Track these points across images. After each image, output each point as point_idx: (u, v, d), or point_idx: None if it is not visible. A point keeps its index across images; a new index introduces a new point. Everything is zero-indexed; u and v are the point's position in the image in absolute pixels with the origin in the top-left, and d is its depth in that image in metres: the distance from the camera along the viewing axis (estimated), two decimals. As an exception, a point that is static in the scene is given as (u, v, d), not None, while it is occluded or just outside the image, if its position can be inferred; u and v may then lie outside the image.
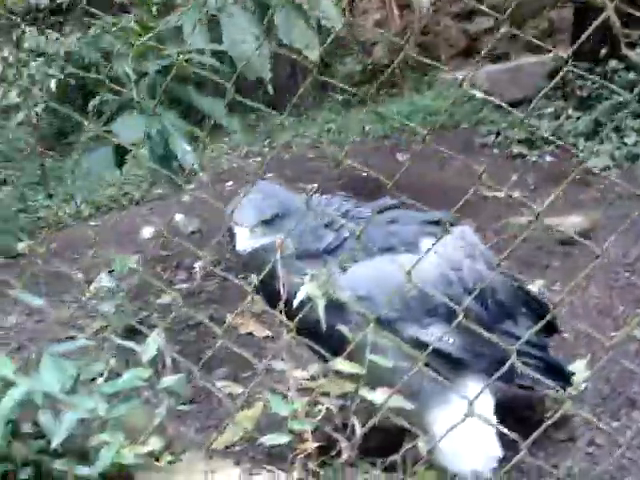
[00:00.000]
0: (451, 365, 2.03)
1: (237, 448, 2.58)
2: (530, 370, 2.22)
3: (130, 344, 1.86)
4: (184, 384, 2.51)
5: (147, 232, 5.59)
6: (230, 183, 6.79)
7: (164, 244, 5.22)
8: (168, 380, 1.82)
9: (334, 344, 1.80)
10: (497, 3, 11.12)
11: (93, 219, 6.64)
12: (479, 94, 1.75)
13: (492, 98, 8.57)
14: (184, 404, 3.07)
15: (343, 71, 11.62)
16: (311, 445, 1.69)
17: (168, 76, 2.42)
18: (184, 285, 4.35)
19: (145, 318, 3.61)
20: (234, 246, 2.02)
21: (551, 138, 6.15)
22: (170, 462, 1.80)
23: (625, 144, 5.68)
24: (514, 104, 7.48)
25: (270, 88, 2.89)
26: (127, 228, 5.84)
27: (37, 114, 9.26)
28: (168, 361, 1.86)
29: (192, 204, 6.35)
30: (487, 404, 2.10)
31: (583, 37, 1.40)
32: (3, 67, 10.34)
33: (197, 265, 4.43)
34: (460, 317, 1.49)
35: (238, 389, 3.01)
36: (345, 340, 1.70)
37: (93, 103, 2.77)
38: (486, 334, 1.51)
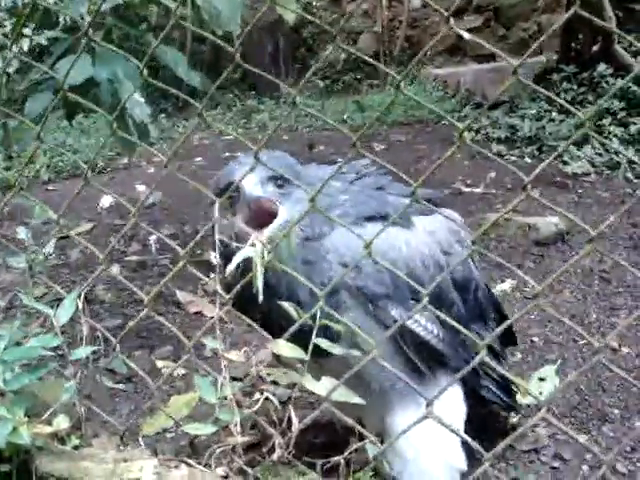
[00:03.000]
0: (430, 359, 1.78)
1: (169, 435, 2.35)
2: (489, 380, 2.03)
3: (40, 306, 1.60)
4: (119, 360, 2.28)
5: (106, 201, 5.35)
6: (199, 159, 6.59)
7: (121, 214, 4.99)
8: (81, 351, 1.56)
9: (280, 324, 1.56)
10: (487, 3, 11.09)
11: (52, 184, 6.34)
12: (467, 35, 1.49)
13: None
14: (119, 383, 2.84)
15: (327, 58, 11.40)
16: (238, 439, 1.45)
17: (123, 18, 2.16)
18: (136, 257, 4.08)
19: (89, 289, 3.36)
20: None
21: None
22: (77, 447, 1.55)
23: (607, 151, 5.55)
24: (497, 104, 7.38)
25: (239, 45, 2.61)
26: (86, 196, 5.58)
27: (8, 75, 8.90)
28: (85, 329, 1.59)
29: (155, 176, 6.12)
30: (459, 412, 1.86)
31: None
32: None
33: (152, 238, 4.17)
34: (435, 310, 1.26)
35: (179, 370, 2.79)
36: (290, 320, 1.44)
37: (42, 37, 2.48)
38: (463, 330, 1.27)
